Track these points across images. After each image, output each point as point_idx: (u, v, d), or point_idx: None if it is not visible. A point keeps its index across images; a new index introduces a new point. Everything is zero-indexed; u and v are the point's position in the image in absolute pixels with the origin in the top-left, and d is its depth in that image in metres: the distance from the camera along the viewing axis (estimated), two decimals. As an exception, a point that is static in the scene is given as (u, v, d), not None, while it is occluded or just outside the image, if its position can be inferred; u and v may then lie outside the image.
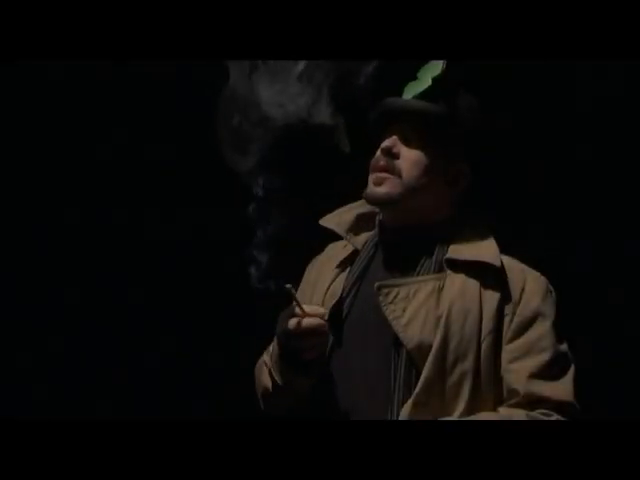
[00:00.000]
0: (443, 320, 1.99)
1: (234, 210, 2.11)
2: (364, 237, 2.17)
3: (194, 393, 3.13)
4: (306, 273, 2.26)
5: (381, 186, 2.09)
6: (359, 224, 2.19)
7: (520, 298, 2.04)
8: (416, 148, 2.09)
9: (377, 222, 2.17)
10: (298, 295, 2.04)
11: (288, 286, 1.98)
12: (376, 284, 2.03)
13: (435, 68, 2.13)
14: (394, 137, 2.11)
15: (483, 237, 2.11)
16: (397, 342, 1.99)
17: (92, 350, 3.18)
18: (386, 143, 2.10)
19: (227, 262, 2.80)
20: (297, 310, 1.97)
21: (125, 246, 3.20)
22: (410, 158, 2.09)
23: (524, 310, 2.03)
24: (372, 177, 2.11)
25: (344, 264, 2.15)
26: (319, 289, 2.14)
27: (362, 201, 2.20)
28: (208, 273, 3.18)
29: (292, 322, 1.97)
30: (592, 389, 2.16)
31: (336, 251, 2.21)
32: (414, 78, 2.17)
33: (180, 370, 3.16)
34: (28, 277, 3.19)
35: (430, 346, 1.97)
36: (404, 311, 2.00)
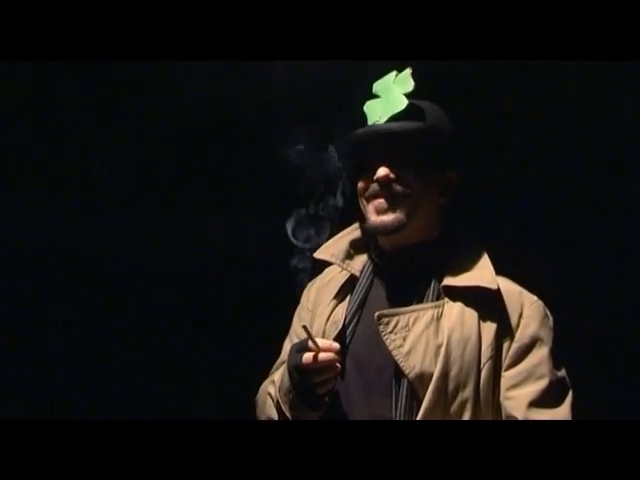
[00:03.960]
0: (443, 349, 1.99)
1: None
2: (360, 262, 2.17)
3: (194, 393, 3.15)
4: (303, 296, 2.25)
5: (386, 214, 2.06)
6: (353, 250, 2.18)
7: (518, 323, 2.04)
8: (409, 168, 2.06)
9: (372, 247, 2.16)
10: (295, 319, 2.03)
11: (303, 324, 2.00)
12: (376, 314, 2.03)
13: (403, 82, 2.08)
14: (383, 165, 2.06)
15: (478, 256, 2.11)
16: (398, 371, 2.00)
17: (91, 350, 3.21)
18: (381, 172, 2.05)
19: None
20: (310, 345, 1.97)
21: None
22: (410, 179, 2.06)
23: (522, 336, 2.03)
24: (373, 204, 2.07)
25: (343, 291, 2.15)
26: (320, 316, 2.13)
27: (353, 227, 2.21)
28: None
29: (307, 357, 1.96)
30: (592, 389, 2.18)
31: (334, 275, 2.20)
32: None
33: (179, 370, 3.19)
34: (28, 275, 3.20)
35: (431, 375, 1.98)
36: (404, 340, 2.01)
